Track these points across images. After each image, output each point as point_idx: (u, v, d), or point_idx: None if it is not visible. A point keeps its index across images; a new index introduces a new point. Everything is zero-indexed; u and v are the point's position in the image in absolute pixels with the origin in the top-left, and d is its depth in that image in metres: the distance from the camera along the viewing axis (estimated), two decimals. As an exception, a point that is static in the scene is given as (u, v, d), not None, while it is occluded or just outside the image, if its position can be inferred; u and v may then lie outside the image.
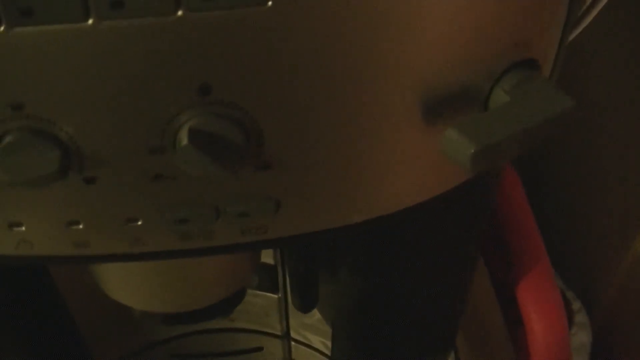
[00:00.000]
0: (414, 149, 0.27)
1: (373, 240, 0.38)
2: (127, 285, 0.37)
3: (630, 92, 0.61)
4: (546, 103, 0.24)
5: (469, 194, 0.31)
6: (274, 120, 0.24)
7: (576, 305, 0.68)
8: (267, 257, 0.53)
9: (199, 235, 0.27)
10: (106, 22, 0.21)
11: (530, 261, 0.49)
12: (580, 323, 0.67)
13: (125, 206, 0.26)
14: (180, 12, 0.21)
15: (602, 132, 0.66)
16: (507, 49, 0.25)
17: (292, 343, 0.59)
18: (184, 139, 0.23)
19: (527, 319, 0.48)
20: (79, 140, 0.24)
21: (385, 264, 0.39)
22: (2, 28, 0.21)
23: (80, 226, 0.26)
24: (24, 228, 0.26)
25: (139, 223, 0.27)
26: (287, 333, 0.58)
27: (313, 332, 0.57)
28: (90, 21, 0.21)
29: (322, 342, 0.57)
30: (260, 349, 0.60)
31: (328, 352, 0.57)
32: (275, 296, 0.55)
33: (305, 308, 0.52)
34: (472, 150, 0.23)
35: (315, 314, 0.54)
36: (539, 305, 0.48)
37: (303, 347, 0.59)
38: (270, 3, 0.21)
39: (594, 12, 0.33)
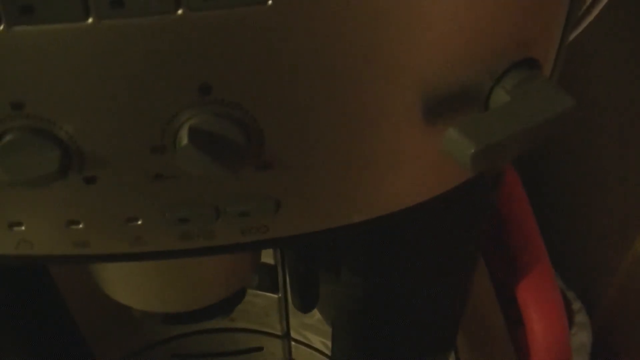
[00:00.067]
0: (414, 148, 0.27)
1: (373, 240, 0.38)
2: (127, 285, 0.37)
3: (630, 92, 0.61)
4: (547, 103, 0.24)
5: (469, 194, 0.31)
6: (274, 120, 0.24)
7: (576, 305, 0.68)
8: (267, 257, 0.53)
9: (199, 235, 0.27)
10: (106, 22, 0.21)
11: (530, 261, 0.49)
12: (580, 323, 0.67)
13: (126, 206, 0.26)
14: (180, 12, 0.21)
15: (602, 132, 0.66)
16: (508, 49, 0.25)
17: (292, 343, 0.59)
18: (184, 138, 0.23)
19: (527, 319, 0.48)
20: (79, 139, 0.24)
21: (385, 264, 0.39)
22: (1, 27, 0.21)
23: (80, 226, 0.26)
24: (24, 228, 0.26)
25: (139, 223, 0.27)
26: (287, 333, 0.58)
27: (313, 332, 0.57)
28: (90, 20, 0.21)
29: (322, 342, 0.57)
30: (260, 349, 0.60)
31: (328, 352, 0.57)
32: (276, 296, 0.55)
33: (305, 308, 0.52)
34: (473, 150, 0.23)
35: (316, 314, 0.54)
36: (540, 305, 0.48)
37: (303, 347, 0.59)
38: (270, 2, 0.21)
39: (595, 12, 0.33)
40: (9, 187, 0.25)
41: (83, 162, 0.24)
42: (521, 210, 0.51)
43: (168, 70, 0.22)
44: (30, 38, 0.21)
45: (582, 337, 0.67)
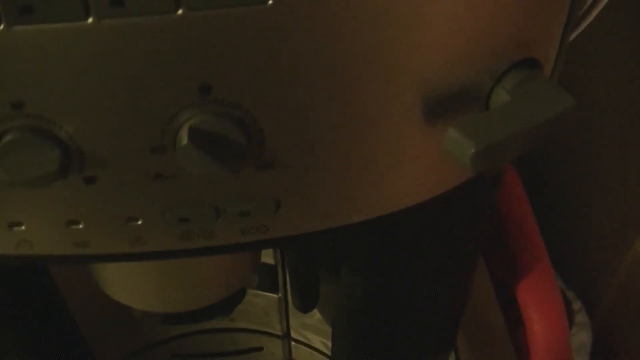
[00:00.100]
0: (414, 148, 0.27)
1: (373, 240, 0.38)
2: (127, 285, 0.37)
3: (630, 92, 0.61)
4: (547, 103, 0.24)
5: (469, 194, 0.31)
6: (274, 120, 0.24)
7: (576, 305, 0.68)
8: (267, 257, 0.53)
9: (199, 235, 0.27)
10: (106, 21, 0.21)
11: (530, 261, 0.49)
12: (580, 323, 0.67)
13: (126, 206, 0.26)
14: (180, 11, 0.21)
15: (602, 132, 0.66)
16: (508, 49, 0.25)
17: (292, 343, 0.59)
18: (184, 138, 0.23)
19: (527, 319, 0.48)
20: (79, 139, 0.24)
21: (385, 264, 0.39)
22: (1, 27, 0.21)
23: (81, 226, 0.26)
24: (24, 228, 0.26)
25: (139, 223, 0.26)
26: (287, 333, 0.58)
27: (313, 332, 0.57)
28: (90, 20, 0.21)
29: (322, 342, 0.57)
30: (260, 348, 0.60)
31: (328, 352, 0.57)
32: (276, 296, 0.55)
33: (305, 308, 0.52)
34: (473, 150, 0.23)
35: (316, 314, 0.54)
36: (540, 305, 0.48)
37: (303, 347, 0.59)
38: (270, 2, 0.21)
39: (595, 12, 0.33)
40: (9, 187, 0.25)
41: (83, 162, 0.24)
42: (521, 210, 0.51)
43: (168, 70, 0.22)
44: (30, 38, 0.21)
45: (582, 337, 0.67)
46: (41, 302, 0.43)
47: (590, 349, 0.67)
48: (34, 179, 0.23)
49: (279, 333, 0.58)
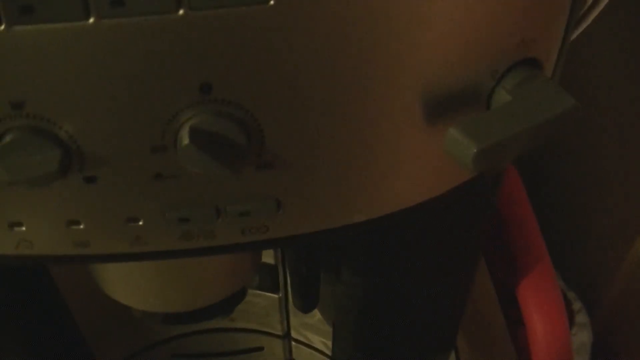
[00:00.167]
0: (415, 148, 0.27)
1: (373, 240, 0.38)
2: (127, 285, 0.37)
3: (630, 92, 0.61)
4: (548, 103, 0.24)
5: (469, 194, 0.31)
6: (274, 120, 0.24)
7: (577, 305, 0.68)
8: (268, 256, 0.53)
9: (200, 235, 0.27)
10: (106, 21, 0.21)
11: (531, 261, 0.49)
12: (581, 323, 0.67)
13: (126, 206, 0.26)
14: (181, 11, 0.21)
15: (602, 132, 0.66)
16: (509, 49, 0.25)
17: (293, 343, 0.59)
18: (185, 138, 0.23)
19: (528, 319, 0.49)
20: (79, 139, 0.24)
21: (385, 264, 0.39)
22: (2, 27, 0.21)
23: (81, 226, 0.26)
24: (24, 228, 0.26)
25: (140, 223, 0.26)
26: (288, 333, 0.58)
27: (314, 332, 0.57)
28: (90, 20, 0.21)
29: (322, 342, 0.57)
30: (260, 348, 0.60)
31: (329, 352, 0.57)
32: (276, 296, 0.55)
33: (306, 308, 0.52)
34: (475, 150, 0.22)
35: (316, 314, 0.54)
36: (540, 305, 0.48)
37: (304, 347, 0.59)
38: (271, 2, 0.21)
39: (595, 12, 0.33)
40: (9, 187, 0.25)
41: (83, 162, 0.24)
42: (522, 210, 0.51)
43: (169, 70, 0.22)
44: (30, 38, 0.21)
45: (582, 337, 0.67)
46: (41, 302, 0.43)
47: (590, 349, 0.67)
48: (34, 179, 0.23)
49: (280, 333, 0.58)
